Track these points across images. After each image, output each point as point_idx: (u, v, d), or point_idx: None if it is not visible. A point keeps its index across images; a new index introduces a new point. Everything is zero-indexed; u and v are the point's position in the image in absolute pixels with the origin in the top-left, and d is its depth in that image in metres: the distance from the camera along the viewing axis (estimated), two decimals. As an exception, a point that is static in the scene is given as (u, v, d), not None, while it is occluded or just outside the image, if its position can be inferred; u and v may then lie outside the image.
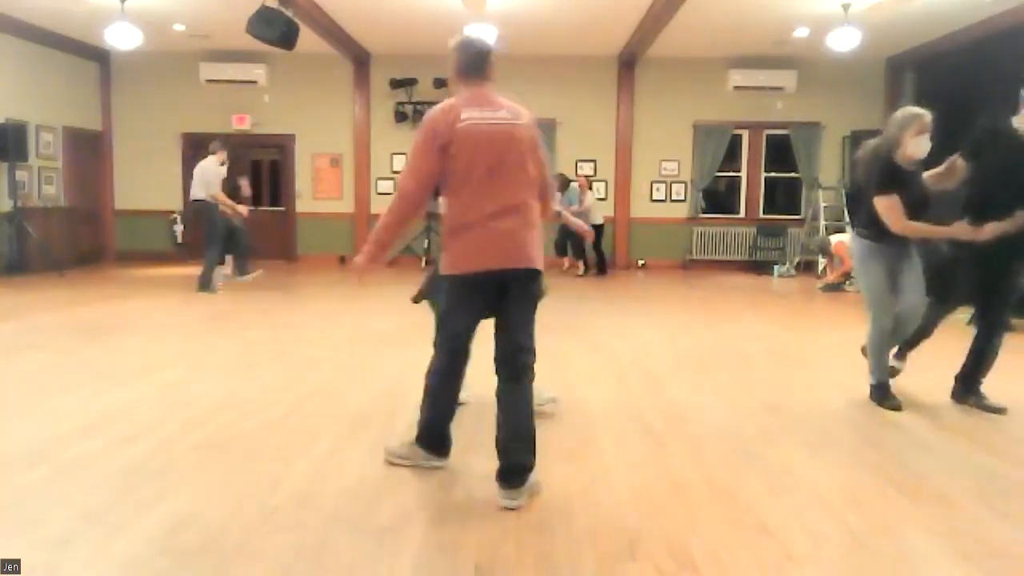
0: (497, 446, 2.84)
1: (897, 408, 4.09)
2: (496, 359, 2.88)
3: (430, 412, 3.06)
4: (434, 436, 3.09)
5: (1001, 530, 2.63)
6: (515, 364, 2.86)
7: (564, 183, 10.98)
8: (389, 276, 10.83)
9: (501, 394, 2.87)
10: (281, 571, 2.26)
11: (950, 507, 2.81)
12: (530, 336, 2.90)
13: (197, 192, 8.69)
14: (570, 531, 2.55)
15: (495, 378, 2.91)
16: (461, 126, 2.76)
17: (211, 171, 8.71)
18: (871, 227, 4.06)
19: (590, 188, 11.33)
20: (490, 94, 2.90)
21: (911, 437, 3.68)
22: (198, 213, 8.88)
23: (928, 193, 4.03)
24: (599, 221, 10.91)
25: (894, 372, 4.42)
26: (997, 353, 4.16)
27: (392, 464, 3.13)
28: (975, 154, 4.04)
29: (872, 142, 4.10)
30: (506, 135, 2.81)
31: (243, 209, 9.02)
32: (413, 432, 3.16)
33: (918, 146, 3.88)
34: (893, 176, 3.90)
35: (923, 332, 4.45)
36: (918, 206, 3.93)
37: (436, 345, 3.02)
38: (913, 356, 4.64)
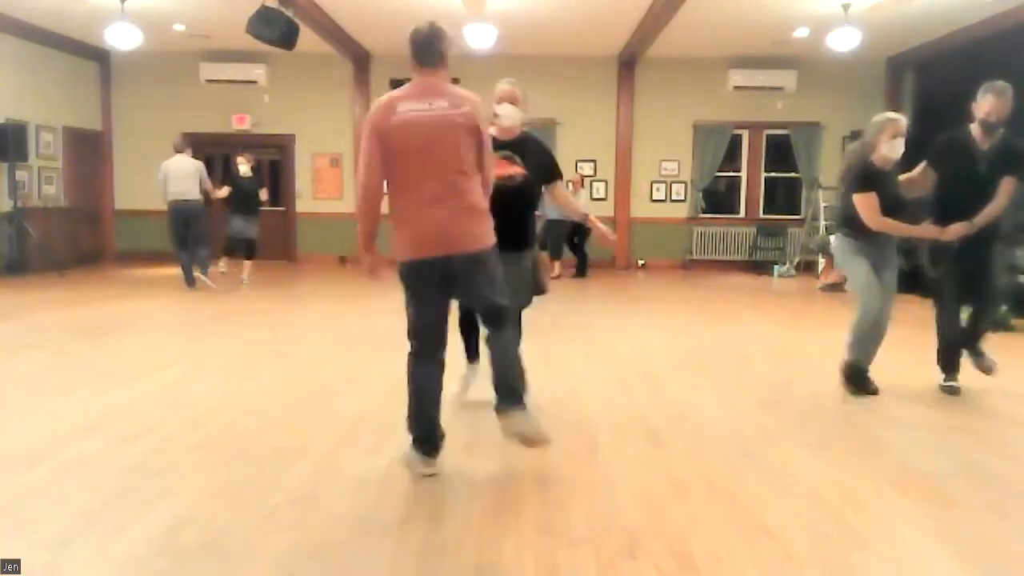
0: (494, 382, 3.02)
1: (874, 392, 4.29)
2: (479, 318, 3.08)
3: (409, 400, 3.04)
4: (419, 428, 3.02)
5: (1001, 530, 2.63)
6: (491, 316, 3.00)
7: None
8: (389, 276, 10.83)
9: (487, 342, 3.05)
10: (281, 571, 2.26)
11: (950, 507, 2.81)
12: (497, 293, 2.99)
13: (193, 192, 8.68)
14: (570, 531, 2.55)
15: (493, 378, 3.02)
16: (395, 119, 2.86)
17: (199, 167, 8.83)
18: (852, 226, 4.25)
19: (582, 186, 11.25)
20: (436, 84, 2.95)
21: (911, 437, 3.68)
22: (197, 213, 8.83)
23: (901, 194, 4.25)
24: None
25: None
26: (991, 319, 4.41)
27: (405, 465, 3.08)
28: (936, 161, 4.31)
29: (853, 145, 4.26)
30: (437, 124, 2.87)
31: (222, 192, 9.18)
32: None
33: (892, 149, 4.13)
34: (869, 176, 4.14)
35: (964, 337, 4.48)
36: (893, 205, 4.16)
37: (408, 334, 3.06)
38: (914, 356, 4.64)
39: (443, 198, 2.88)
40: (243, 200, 9.08)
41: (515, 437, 2.96)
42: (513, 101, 3.72)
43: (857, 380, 4.32)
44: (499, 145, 3.66)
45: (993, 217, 4.13)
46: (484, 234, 2.98)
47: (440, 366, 3.06)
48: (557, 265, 10.91)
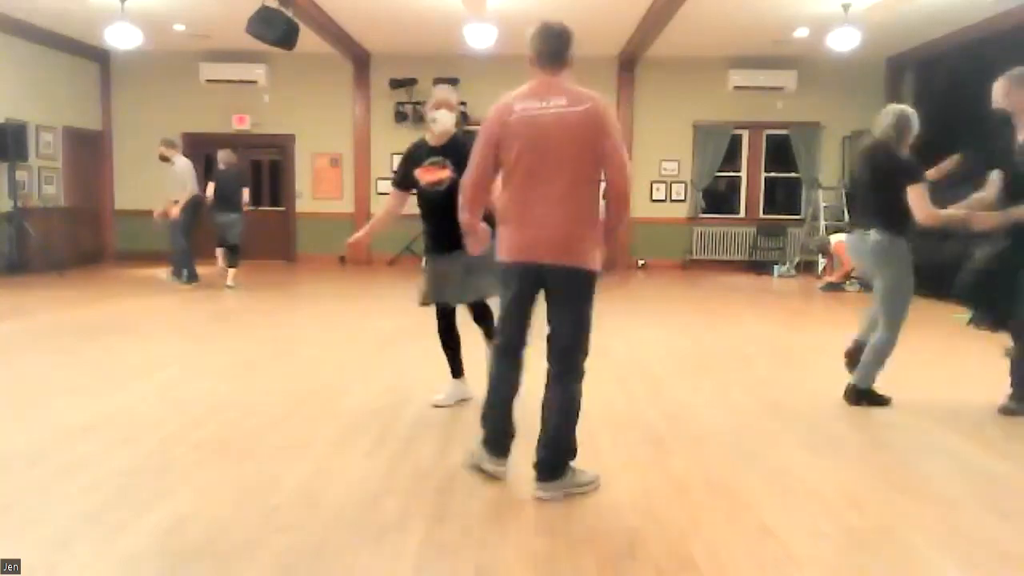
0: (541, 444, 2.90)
1: (887, 401, 4.16)
2: (548, 351, 2.89)
3: (486, 398, 2.99)
4: (488, 426, 2.96)
5: (1002, 531, 2.63)
6: (558, 357, 2.88)
7: None
8: (389, 276, 10.83)
9: (547, 389, 2.91)
10: (281, 571, 2.26)
11: (951, 508, 2.81)
12: (572, 336, 2.85)
13: (196, 188, 8.78)
14: (570, 531, 2.55)
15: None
16: (513, 118, 2.78)
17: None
18: (904, 224, 3.97)
19: None
20: (555, 83, 2.81)
21: (912, 437, 3.68)
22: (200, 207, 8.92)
23: None
24: None
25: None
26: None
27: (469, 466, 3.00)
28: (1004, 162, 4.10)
29: (874, 140, 4.11)
30: (553, 124, 2.73)
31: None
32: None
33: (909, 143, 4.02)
34: (919, 168, 3.94)
35: None
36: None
37: (494, 336, 3.05)
38: (914, 357, 4.63)
39: (553, 203, 2.74)
40: (223, 196, 8.83)
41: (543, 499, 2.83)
42: (449, 108, 3.79)
43: (875, 401, 4.17)
44: (431, 151, 3.77)
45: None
46: (584, 253, 2.77)
47: (514, 366, 2.98)
48: None
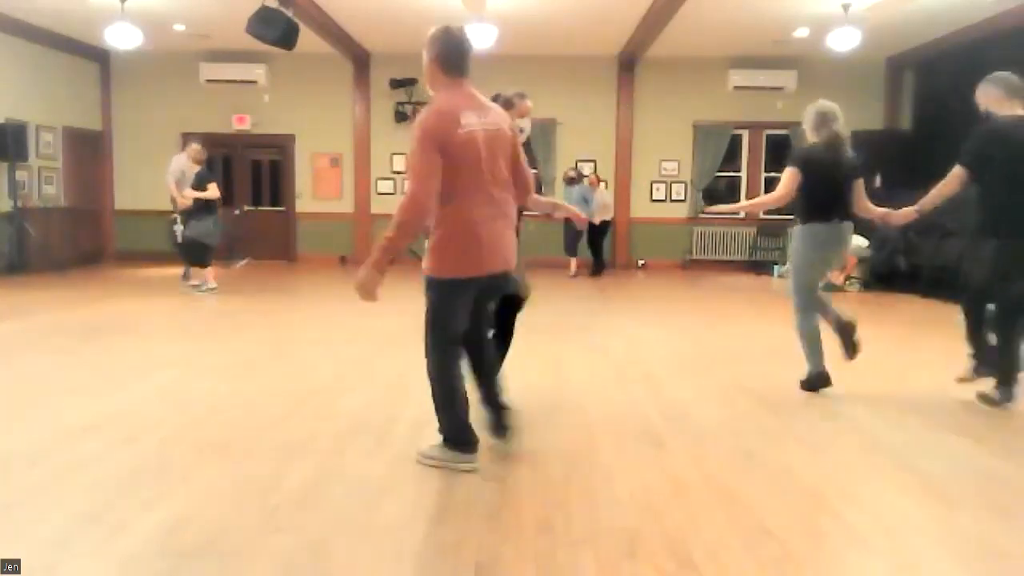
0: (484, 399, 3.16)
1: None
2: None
3: (445, 407, 3.08)
4: (458, 430, 3.07)
5: (1002, 530, 2.63)
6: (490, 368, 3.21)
7: (571, 179, 10.91)
8: (389, 276, 10.82)
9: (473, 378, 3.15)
10: (281, 571, 2.26)
11: (951, 507, 2.81)
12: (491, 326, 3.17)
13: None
14: (570, 531, 2.54)
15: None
16: (461, 132, 2.77)
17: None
18: (801, 210, 4.33)
19: (598, 184, 11.28)
20: (476, 94, 2.93)
21: (911, 437, 3.68)
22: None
23: None
24: (597, 220, 10.88)
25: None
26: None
27: (424, 465, 3.08)
28: None
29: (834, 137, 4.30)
30: (496, 140, 2.88)
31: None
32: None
33: None
34: (795, 153, 4.40)
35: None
36: None
37: (431, 345, 3.03)
38: (916, 357, 4.63)
39: (502, 215, 2.93)
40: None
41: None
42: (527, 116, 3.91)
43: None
44: None
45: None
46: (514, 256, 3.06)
47: (462, 369, 3.12)
48: (573, 263, 10.93)
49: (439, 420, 3.13)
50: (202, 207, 8.50)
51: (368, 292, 2.86)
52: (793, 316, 4.38)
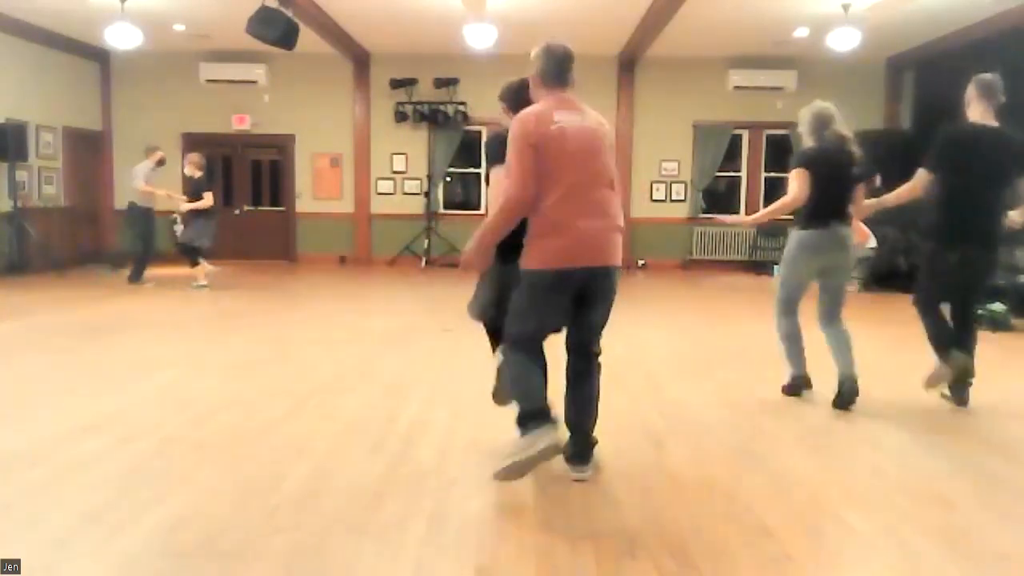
0: (570, 423, 3.00)
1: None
2: (568, 346, 3.04)
3: (524, 396, 2.93)
4: (536, 412, 2.88)
5: (1001, 530, 2.63)
6: (588, 352, 3.02)
7: None
8: (389, 276, 10.83)
9: (571, 377, 3.04)
10: (281, 571, 2.26)
11: (950, 507, 2.81)
12: (602, 328, 3.03)
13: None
14: (570, 531, 2.55)
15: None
16: (554, 128, 2.83)
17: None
18: (799, 215, 4.22)
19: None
20: (574, 100, 2.98)
21: (911, 437, 3.68)
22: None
23: None
24: None
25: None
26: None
27: (511, 476, 2.82)
28: None
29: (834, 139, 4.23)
30: (593, 138, 2.92)
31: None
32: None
33: None
34: (802, 156, 4.28)
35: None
36: None
37: (512, 342, 2.96)
38: (916, 357, 4.63)
39: (599, 212, 2.90)
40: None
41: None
42: None
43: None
44: None
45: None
46: (620, 251, 2.99)
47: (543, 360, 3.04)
48: None
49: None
50: (201, 212, 8.74)
51: (469, 264, 2.99)
52: (774, 319, 4.33)
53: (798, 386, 4.28)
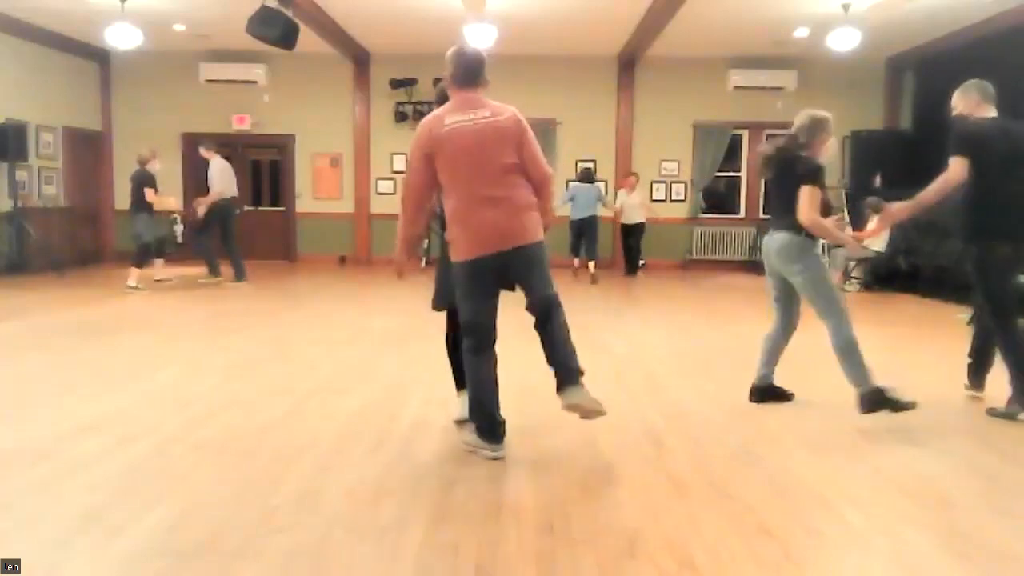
0: (551, 365, 3.23)
1: (913, 405, 3.78)
2: (528, 308, 3.24)
3: (473, 392, 3.29)
4: (483, 418, 3.24)
5: (1002, 530, 2.63)
6: (544, 307, 3.21)
7: (586, 177, 10.70)
8: (389, 276, 10.84)
9: (540, 330, 3.24)
10: (281, 571, 2.26)
11: (951, 507, 2.81)
12: (548, 283, 3.23)
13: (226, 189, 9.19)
14: (570, 531, 2.55)
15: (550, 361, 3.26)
16: (444, 131, 3.13)
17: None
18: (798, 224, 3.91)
19: (633, 188, 11.20)
20: (477, 99, 3.23)
21: (911, 437, 3.68)
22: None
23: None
24: (633, 220, 11.10)
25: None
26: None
27: (466, 450, 3.28)
28: None
29: (784, 140, 4.06)
30: (487, 131, 3.14)
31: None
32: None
33: (828, 151, 4.05)
34: (818, 172, 3.93)
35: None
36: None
37: (464, 330, 3.27)
38: (915, 357, 4.63)
39: (498, 201, 3.13)
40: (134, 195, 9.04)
41: (573, 410, 3.16)
42: None
43: (895, 401, 3.83)
44: None
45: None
46: (532, 229, 3.19)
47: (494, 357, 3.28)
48: (592, 266, 10.49)
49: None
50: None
51: (400, 268, 3.61)
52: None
53: (763, 393, 4.22)
